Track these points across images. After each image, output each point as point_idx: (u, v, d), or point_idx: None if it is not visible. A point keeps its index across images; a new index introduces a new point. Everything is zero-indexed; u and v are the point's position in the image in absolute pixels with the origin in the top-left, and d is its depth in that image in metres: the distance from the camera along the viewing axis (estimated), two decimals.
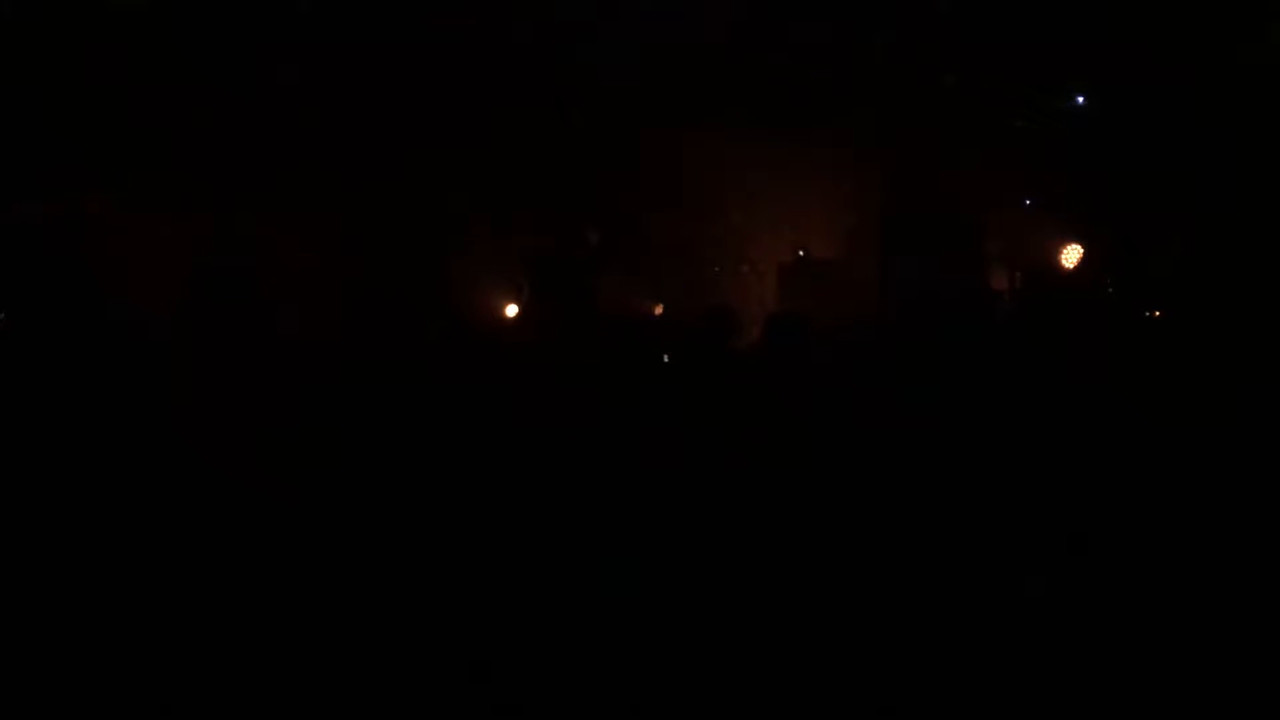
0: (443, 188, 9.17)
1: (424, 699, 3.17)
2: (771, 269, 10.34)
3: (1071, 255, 9.33)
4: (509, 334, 8.22)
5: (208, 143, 8.47)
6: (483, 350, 4.97)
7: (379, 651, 3.23)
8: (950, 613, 3.39)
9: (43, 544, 3.50)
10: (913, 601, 3.43)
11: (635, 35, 9.45)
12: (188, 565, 3.48)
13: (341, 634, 3.30)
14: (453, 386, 4.34)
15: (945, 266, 8.94)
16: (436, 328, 6.09)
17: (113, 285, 7.13)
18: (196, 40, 8.51)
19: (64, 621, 3.25)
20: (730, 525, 3.64)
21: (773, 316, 6.37)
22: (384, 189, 9.03)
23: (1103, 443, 4.03)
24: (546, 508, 3.63)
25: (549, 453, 3.86)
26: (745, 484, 3.76)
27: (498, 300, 9.74)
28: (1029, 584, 3.45)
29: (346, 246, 8.84)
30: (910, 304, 8.06)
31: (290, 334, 5.35)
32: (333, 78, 8.89)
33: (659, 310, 9.95)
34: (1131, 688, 3.16)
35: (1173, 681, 3.14)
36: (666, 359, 5.34)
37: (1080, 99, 9.40)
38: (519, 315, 9.29)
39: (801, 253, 10.18)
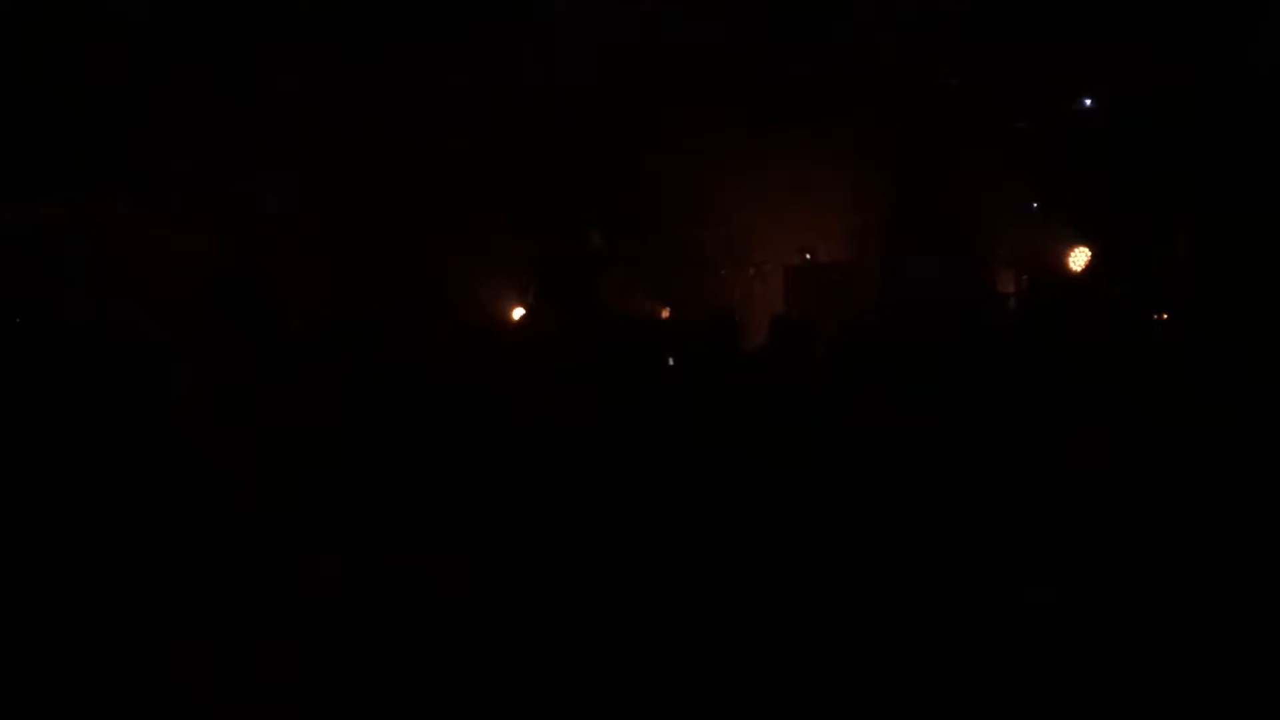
0: (450, 189, 9.17)
1: (425, 699, 3.17)
2: (778, 271, 10.33)
3: (1078, 258, 9.31)
4: (515, 336, 8.21)
5: (214, 146, 8.48)
6: (489, 351, 4.97)
7: (383, 652, 3.23)
8: (954, 615, 3.38)
9: (50, 546, 3.50)
10: (916, 604, 3.42)
11: (642, 35, 9.46)
12: (195, 566, 3.48)
13: (348, 633, 3.30)
14: (459, 387, 4.34)
15: (952, 269, 8.93)
16: (443, 329, 6.09)
17: (119, 288, 7.15)
18: (202, 42, 8.53)
19: (69, 623, 3.25)
20: (732, 527, 3.63)
21: (778, 319, 6.37)
22: (391, 191, 9.04)
23: (1108, 444, 4.02)
24: (548, 508, 3.63)
25: (552, 453, 3.86)
26: (748, 486, 3.75)
27: (504, 302, 9.75)
28: (1034, 587, 3.44)
29: (351, 249, 8.84)
30: (917, 306, 8.07)
31: (297, 336, 5.35)
32: (338, 79, 8.90)
33: (665, 313, 9.94)
34: (1132, 689, 3.15)
35: (1173, 682, 3.13)
36: (672, 361, 5.33)
37: (1087, 101, 9.38)
38: (525, 317, 9.29)
39: (808, 255, 10.16)
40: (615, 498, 3.68)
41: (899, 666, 3.25)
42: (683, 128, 9.50)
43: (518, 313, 9.59)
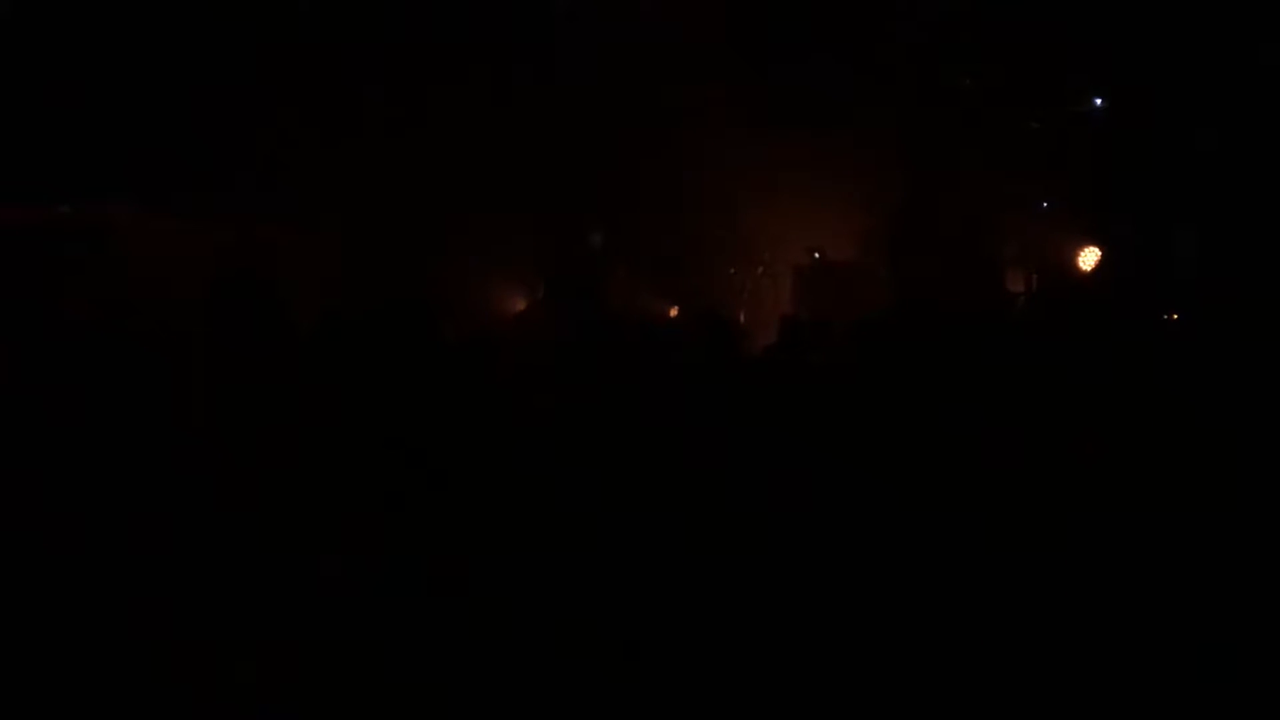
0: (458, 189, 9.18)
1: (425, 699, 3.18)
2: (787, 271, 10.34)
3: (1088, 257, 9.29)
4: (516, 335, 8.22)
5: (221, 146, 8.51)
6: (496, 350, 4.97)
7: (383, 651, 3.24)
8: (957, 615, 3.38)
9: (54, 544, 3.52)
10: (919, 606, 3.42)
11: (650, 34, 9.46)
12: (196, 566, 3.49)
13: (348, 633, 3.31)
14: (468, 386, 4.35)
15: (960, 269, 8.92)
16: (451, 328, 6.09)
17: (128, 289, 7.17)
18: (209, 41, 8.56)
19: (69, 622, 3.27)
20: (732, 527, 3.63)
21: (787, 319, 6.37)
22: (398, 190, 9.05)
23: (1116, 443, 4.01)
24: (551, 508, 3.63)
25: (554, 453, 3.87)
26: (751, 487, 3.75)
27: (512, 300, 9.76)
28: (1035, 590, 3.43)
29: (357, 249, 8.86)
30: (925, 306, 8.04)
31: (304, 335, 5.36)
32: (344, 79, 8.92)
33: (673, 312, 9.95)
34: (1133, 689, 3.15)
35: (1175, 683, 3.13)
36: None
37: (1098, 100, 9.36)
38: (533, 315, 9.30)
39: (817, 255, 10.16)
40: (615, 498, 3.68)
41: (902, 667, 3.24)
42: (691, 127, 9.50)
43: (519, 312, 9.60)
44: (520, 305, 9.71)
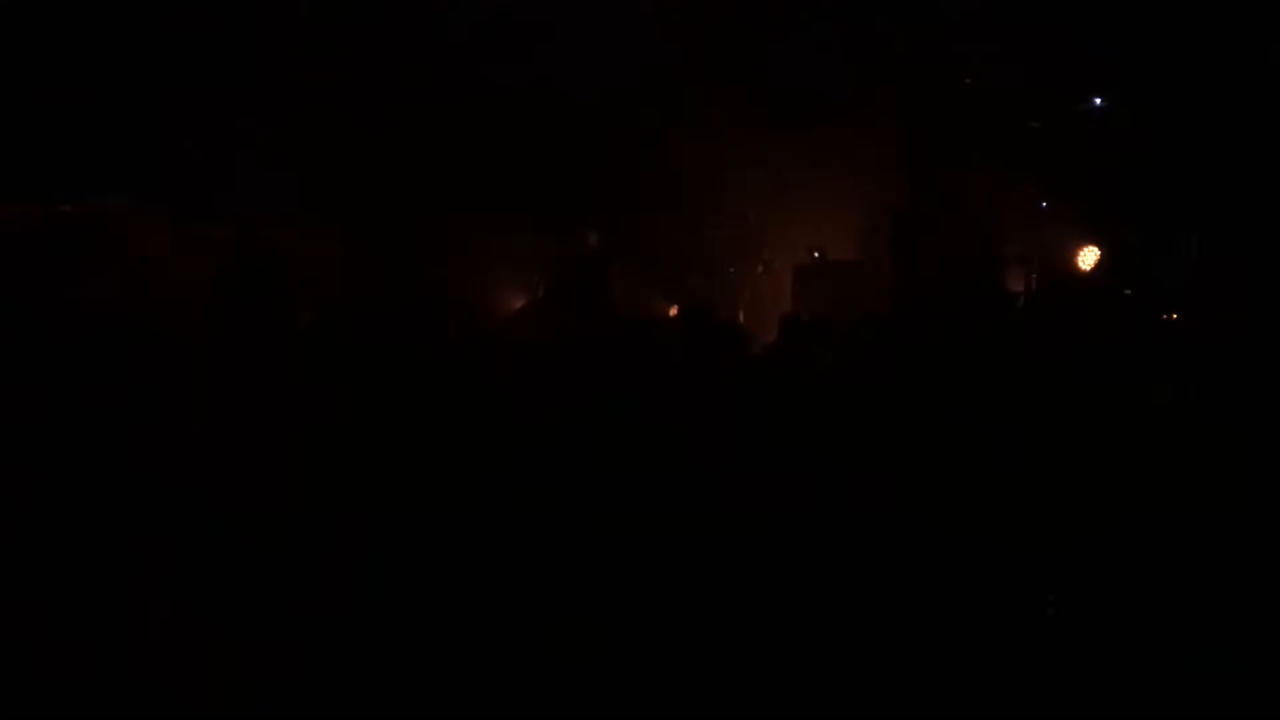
0: (458, 189, 9.18)
1: (426, 699, 3.18)
2: (787, 271, 10.33)
3: (1088, 257, 9.29)
4: (516, 334, 8.21)
5: (224, 144, 8.51)
6: (496, 350, 4.97)
7: (383, 652, 3.24)
8: (958, 615, 3.38)
9: (57, 542, 3.52)
10: (919, 604, 3.42)
11: (650, 33, 9.46)
12: (197, 565, 3.49)
13: (348, 633, 3.31)
14: (470, 384, 4.35)
15: (961, 268, 8.91)
16: (453, 326, 6.09)
17: (131, 287, 7.17)
18: (210, 39, 8.56)
19: (70, 622, 3.27)
20: (733, 528, 3.63)
21: (787, 318, 6.37)
22: (400, 189, 9.05)
23: (1117, 444, 4.01)
24: (551, 509, 3.63)
25: (555, 453, 3.87)
26: (750, 487, 3.75)
27: (513, 300, 9.76)
28: (1039, 591, 3.44)
29: (364, 246, 8.86)
30: (926, 305, 8.05)
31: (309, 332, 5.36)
32: (345, 78, 8.92)
33: (673, 312, 9.95)
34: (1134, 689, 3.15)
35: (1175, 682, 3.13)
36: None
37: (1098, 100, 9.36)
38: (533, 314, 9.30)
39: (817, 255, 10.16)
40: (615, 497, 3.68)
41: (902, 665, 3.24)
42: (692, 126, 9.50)
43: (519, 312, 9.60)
44: (520, 305, 9.71)
